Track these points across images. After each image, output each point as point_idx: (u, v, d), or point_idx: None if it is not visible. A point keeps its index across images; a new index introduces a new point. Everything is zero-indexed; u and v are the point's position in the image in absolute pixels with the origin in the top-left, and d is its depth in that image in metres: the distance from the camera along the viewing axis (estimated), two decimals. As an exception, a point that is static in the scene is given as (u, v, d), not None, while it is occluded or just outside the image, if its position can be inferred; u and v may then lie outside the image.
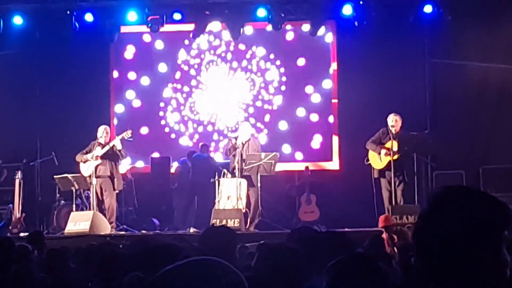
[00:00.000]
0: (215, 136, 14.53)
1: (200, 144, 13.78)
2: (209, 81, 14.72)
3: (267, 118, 14.46)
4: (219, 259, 1.59)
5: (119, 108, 14.65)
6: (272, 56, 14.51)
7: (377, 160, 11.06)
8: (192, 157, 13.25)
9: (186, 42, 14.65)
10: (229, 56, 14.73)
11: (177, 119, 14.67)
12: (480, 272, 1.68)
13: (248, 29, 13.99)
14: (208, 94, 14.69)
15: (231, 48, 14.67)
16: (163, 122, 14.65)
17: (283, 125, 14.36)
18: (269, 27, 13.54)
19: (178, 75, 14.75)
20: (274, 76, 14.50)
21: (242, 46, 14.45)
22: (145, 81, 14.71)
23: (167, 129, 14.64)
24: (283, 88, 14.46)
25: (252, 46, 14.52)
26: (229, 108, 14.61)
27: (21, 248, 5.53)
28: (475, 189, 1.79)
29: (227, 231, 4.36)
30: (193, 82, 14.73)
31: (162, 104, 14.67)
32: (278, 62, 14.51)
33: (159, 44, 14.67)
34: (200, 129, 14.65)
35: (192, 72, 14.76)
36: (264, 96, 14.54)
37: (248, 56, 14.64)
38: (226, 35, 14.27)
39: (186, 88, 14.74)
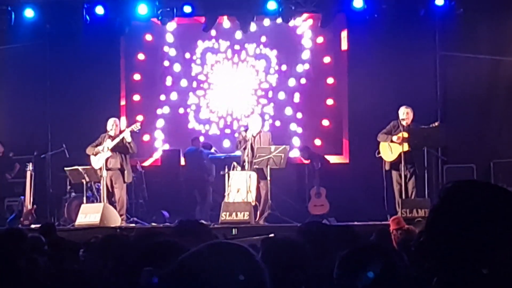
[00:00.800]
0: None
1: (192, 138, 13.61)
2: (212, 76, 14.21)
3: (296, 98, 14.13)
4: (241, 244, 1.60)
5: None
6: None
7: (388, 152, 11.01)
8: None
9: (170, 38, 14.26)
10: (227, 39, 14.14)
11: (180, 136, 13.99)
12: (491, 266, 1.67)
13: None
14: (214, 93, 14.19)
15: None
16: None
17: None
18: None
19: (169, 80, 14.13)
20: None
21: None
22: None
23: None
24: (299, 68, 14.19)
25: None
26: (245, 103, 14.12)
27: (34, 240, 5.55)
28: (486, 183, 1.78)
29: (201, 225, 4.34)
30: (193, 84, 14.18)
31: (158, 132, 14.23)
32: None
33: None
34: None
35: (190, 71, 14.18)
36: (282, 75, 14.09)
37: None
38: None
39: (183, 94, 14.15)
